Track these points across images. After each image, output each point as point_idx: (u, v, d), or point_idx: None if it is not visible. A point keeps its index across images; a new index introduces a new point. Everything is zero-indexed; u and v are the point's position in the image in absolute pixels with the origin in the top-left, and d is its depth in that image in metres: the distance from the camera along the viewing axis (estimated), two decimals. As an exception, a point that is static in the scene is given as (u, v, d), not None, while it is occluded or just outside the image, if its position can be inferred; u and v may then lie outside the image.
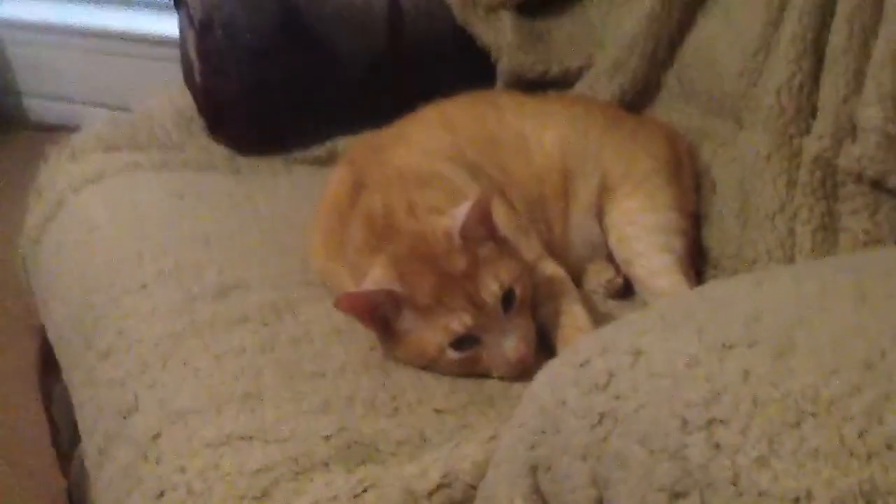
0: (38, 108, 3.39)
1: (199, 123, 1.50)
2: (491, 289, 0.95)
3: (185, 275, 1.10)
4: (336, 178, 1.16)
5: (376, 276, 0.97)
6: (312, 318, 1.04)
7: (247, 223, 1.24)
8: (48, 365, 1.35)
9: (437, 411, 0.92)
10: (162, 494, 0.82)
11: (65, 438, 1.32)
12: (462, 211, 0.97)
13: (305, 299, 1.07)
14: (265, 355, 0.97)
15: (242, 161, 1.44)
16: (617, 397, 0.59)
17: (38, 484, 1.61)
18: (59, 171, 1.39)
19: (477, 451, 0.80)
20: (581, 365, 0.64)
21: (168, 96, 1.59)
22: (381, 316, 0.97)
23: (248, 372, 0.94)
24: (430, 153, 1.17)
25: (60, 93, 3.30)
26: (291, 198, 1.34)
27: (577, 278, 1.22)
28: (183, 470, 0.83)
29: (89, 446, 1.01)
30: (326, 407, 0.90)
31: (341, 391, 0.92)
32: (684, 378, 0.57)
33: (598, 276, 1.22)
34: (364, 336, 1.01)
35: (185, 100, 1.55)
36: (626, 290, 1.22)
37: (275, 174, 1.43)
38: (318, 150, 1.50)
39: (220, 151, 1.45)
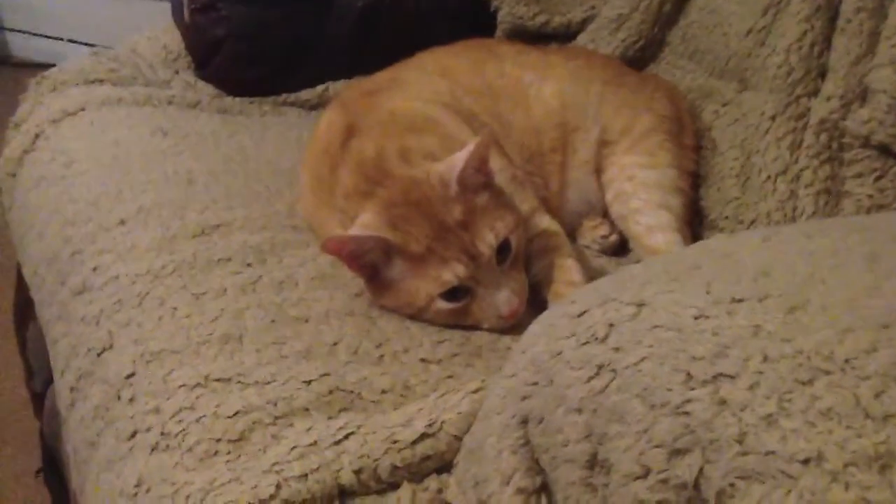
0: (22, 44, 3.31)
1: (185, 61, 1.46)
2: (486, 239, 0.92)
3: (166, 212, 1.06)
4: (326, 121, 1.12)
5: (366, 221, 0.94)
6: (297, 262, 1.00)
7: (232, 164, 1.20)
8: (24, 305, 1.31)
9: (423, 361, 0.89)
10: (134, 435, 0.79)
11: (38, 380, 1.28)
12: (460, 157, 0.93)
13: (291, 243, 1.04)
14: (246, 297, 0.93)
15: (229, 101, 1.40)
16: (617, 349, 0.56)
17: (10, 425, 1.58)
18: (37, 104, 1.34)
19: (463, 402, 0.77)
20: (579, 315, 0.61)
21: (154, 33, 1.54)
22: (369, 262, 0.94)
23: (228, 313, 0.90)
24: (425, 98, 1.13)
25: (45, 30, 3.22)
26: (280, 140, 1.30)
27: (572, 234, 1.19)
28: (157, 411, 0.80)
29: (61, 385, 0.98)
30: (308, 352, 0.86)
31: (324, 337, 0.89)
32: (690, 331, 0.54)
33: (593, 232, 1.19)
34: (350, 282, 0.98)
35: (172, 37, 1.50)
36: (620, 248, 1.19)
37: (263, 115, 1.38)
38: (309, 94, 1.45)
39: (206, 90, 1.41)
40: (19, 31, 3.27)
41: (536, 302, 1.00)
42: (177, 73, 1.42)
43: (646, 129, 1.21)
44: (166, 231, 1.02)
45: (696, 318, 0.55)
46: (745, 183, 1.21)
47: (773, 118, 1.17)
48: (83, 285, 1.00)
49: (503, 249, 0.94)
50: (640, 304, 0.57)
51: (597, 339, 0.57)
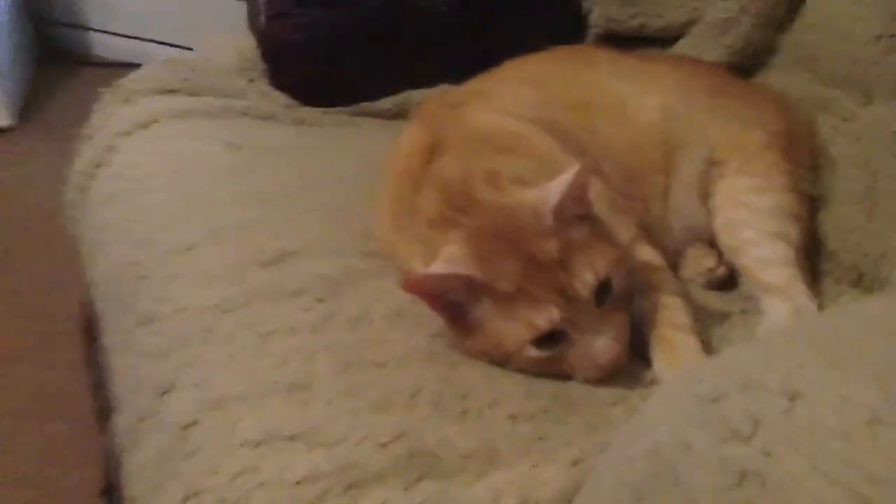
0: (105, 44, 3.32)
1: (260, 70, 1.38)
2: (585, 279, 0.82)
3: (237, 236, 0.99)
4: (408, 137, 1.03)
5: (451, 255, 0.84)
6: (373, 295, 0.92)
7: (307, 181, 1.12)
8: (92, 322, 1.27)
9: (511, 417, 0.79)
10: (188, 499, 0.71)
11: (101, 404, 1.23)
12: (558, 186, 0.83)
13: (367, 273, 0.95)
14: (318, 336, 0.85)
15: (305, 112, 1.33)
16: (766, 454, 0.45)
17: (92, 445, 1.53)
18: (110, 114, 1.29)
19: (559, 476, 0.68)
20: (713, 401, 0.50)
21: (231, 39, 1.48)
22: (452, 301, 0.84)
23: (298, 356, 0.82)
24: (514, 113, 1.03)
25: (127, 29, 3.23)
26: (357, 154, 1.22)
27: (674, 265, 1.07)
28: (216, 472, 0.72)
29: (122, 421, 0.91)
30: (385, 404, 0.78)
31: (403, 385, 0.80)
32: (862, 440, 0.43)
33: (698, 264, 1.07)
34: (430, 320, 0.89)
35: (249, 44, 1.43)
36: (727, 281, 1.07)
37: (340, 127, 1.31)
38: (388, 103, 1.37)
39: (281, 101, 1.33)
40: (103, 31, 3.29)
41: (635, 344, 0.90)
42: (251, 81, 1.35)
43: (758, 146, 1.09)
44: (237, 258, 0.95)
45: (868, 422, 0.44)
46: (872, 210, 1.08)
47: (905, 137, 1.03)
48: (149, 315, 0.93)
49: (603, 289, 0.84)
50: (794, 396, 0.47)
51: (739, 436, 0.47)
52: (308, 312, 0.88)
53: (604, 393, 0.85)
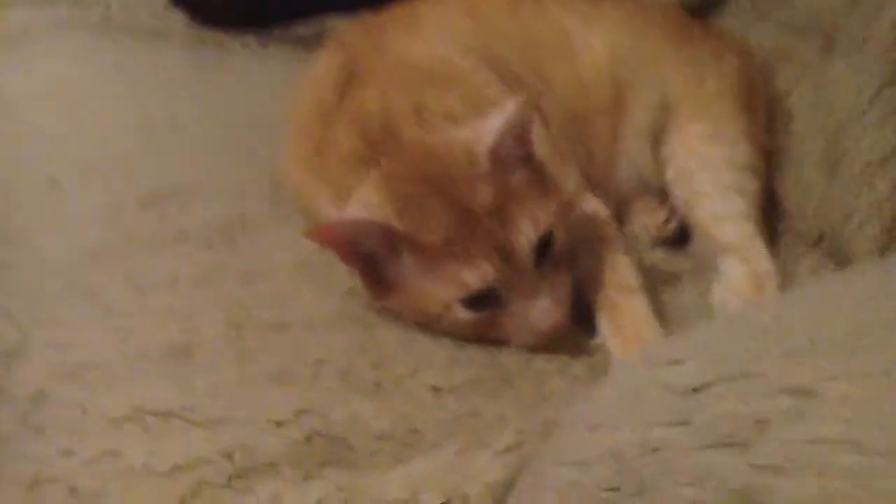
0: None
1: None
2: (524, 233, 0.70)
3: (113, 172, 0.84)
4: (322, 65, 0.88)
5: (366, 199, 0.71)
6: (275, 244, 0.78)
7: (203, 112, 0.97)
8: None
9: (434, 389, 0.68)
10: (35, 485, 0.57)
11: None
12: (493, 123, 0.70)
13: (268, 219, 0.82)
14: (204, 292, 0.71)
15: (208, 34, 1.15)
16: (775, 469, 0.34)
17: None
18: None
19: (491, 465, 0.56)
20: (693, 391, 0.39)
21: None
22: (367, 253, 0.71)
23: (178, 314, 0.69)
24: (447, 42, 0.89)
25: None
26: (264, 84, 1.07)
27: (620, 218, 0.96)
28: (69, 454, 0.58)
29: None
30: (283, 375, 0.65)
31: (306, 353, 0.68)
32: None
33: (647, 217, 0.96)
34: (341, 275, 0.76)
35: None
36: (679, 237, 0.97)
37: (247, 54, 1.14)
38: (304, 29, 1.21)
39: (178, 19, 1.16)
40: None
41: (578, 306, 0.79)
42: (145, -2, 1.17)
43: (715, 93, 0.98)
44: (109, 197, 0.80)
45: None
46: (833, 170, 0.98)
47: (876, 94, 0.93)
48: (2, 262, 0.77)
49: (544, 245, 0.72)
50: (804, 393, 0.35)
51: (732, 442, 0.35)
52: (193, 262, 0.74)
53: (542, 362, 0.74)
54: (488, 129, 0.71)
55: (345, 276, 0.75)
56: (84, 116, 0.93)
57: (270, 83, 1.08)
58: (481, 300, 0.71)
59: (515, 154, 0.73)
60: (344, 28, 1.06)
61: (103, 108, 0.94)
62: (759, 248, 0.88)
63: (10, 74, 1.00)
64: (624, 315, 0.77)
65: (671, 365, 0.43)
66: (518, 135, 0.73)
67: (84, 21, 1.08)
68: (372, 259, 0.72)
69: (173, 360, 0.64)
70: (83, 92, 0.97)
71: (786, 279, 0.91)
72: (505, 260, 0.70)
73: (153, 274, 0.72)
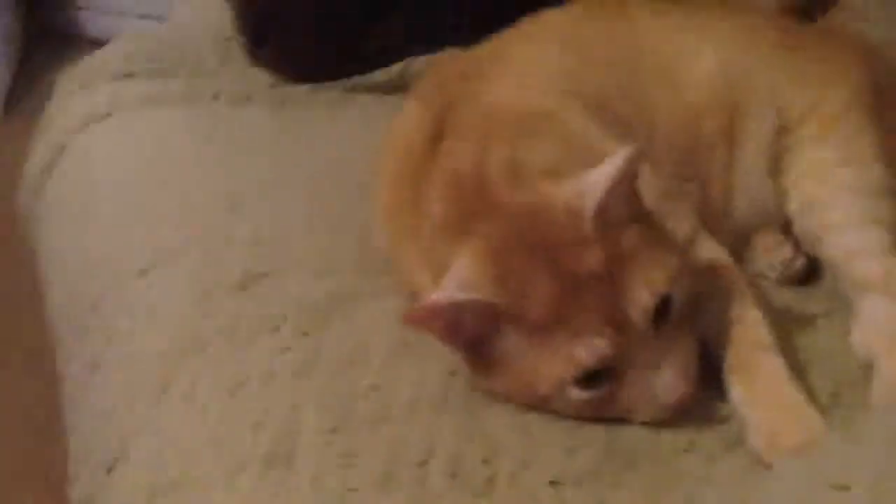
0: (96, 21, 3.14)
1: (238, 44, 1.19)
2: (640, 300, 0.63)
3: (201, 254, 0.81)
4: (407, 118, 0.83)
5: (463, 275, 0.66)
6: (371, 323, 0.74)
7: (288, 177, 0.93)
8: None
9: (553, 484, 0.61)
10: None
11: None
12: (600, 178, 0.64)
13: (363, 294, 0.77)
14: (300, 386, 0.67)
15: (289, 90, 1.13)
16: None
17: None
18: (62, 105, 1.11)
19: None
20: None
21: (204, 9, 1.28)
22: (469, 334, 0.66)
23: (275, 416, 0.64)
24: (538, 84, 0.83)
25: (117, 6, 3.04)
26: (351, 138, 1.03)
27: (738, 257, 0.88)
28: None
29: (75, 489, 0.74)
30: (388, 479, 0.60)
31: (410, 448, 0.62)
32: None
33: (771, 255, 0.88)
34: (444, 353, 0.70)
35: (223, 13, 1.23)
36: (807, 274, 0.88)
37: (330, 107, 1.11)
38: (386, 74, 1.16)
39: (260, 79, 1.14)
40: (92, 7, 3.10)
41: (703, 368, 0.71)
42: (228, 60, 1.16)
43: (839, 106, 0.88)
44: (198, 283, 0.77)
45: None
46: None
47: None
48: (96, 359, 0.76)
49: (663, 310, 0.65)
50: None
51: None
52: (288, 352, 0.70)
53: (670, 437, 0.67)
54: (593, 185, 0.65)
55: (446, 355, 0.70)
56: (171, 192, 0.91)
57: (358, 136, 1.04)
58: (596, 377, 0.64)
59: (625, 211, 0.66)
60: (429, 72, 1.01)
61: (187, 181, 0.91)
62: (904, 283, 0.78)
63: (99, 153, 1.00)
64: (758, 377, 0.69)
65: (837, 491, 0.36)
66: (627, 189, 0.66)
67: (165, 92, 1.07)
68: (474, 338, 0.66)
69: (273, 469, 0.60)
70: (169, 166, 0.95)
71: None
72: (620, 331, 0.63)
73: (246, 367, 0.68)
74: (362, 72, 1.16)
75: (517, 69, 0.84)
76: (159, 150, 0.98)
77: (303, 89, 1.13)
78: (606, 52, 0.90)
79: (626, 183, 0.65)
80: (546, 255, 0.64)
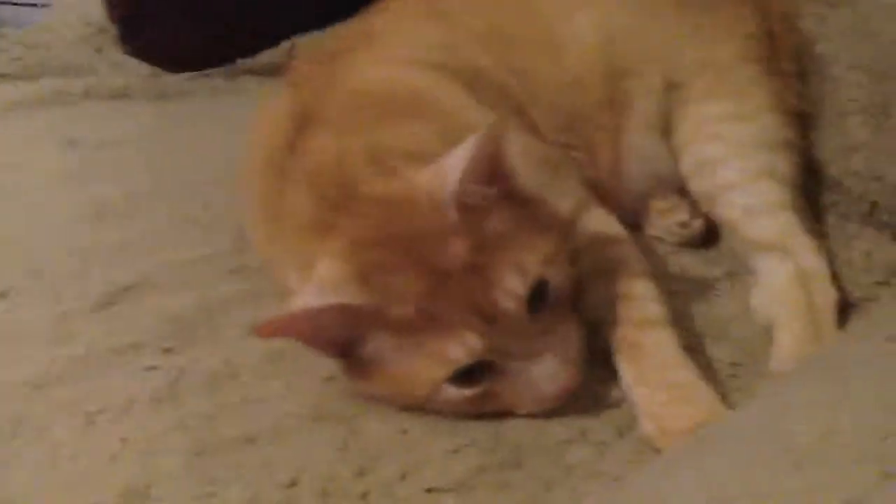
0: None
1: (111, 35, 1.12)
2: (510, 288, 0.60)
3: (63, 274, 0.76)
4: (273, 108, 0.78)
5: (323, 278, 0.61)
6: (241, 335, 0.69)
7: (162, 180, 0.88)
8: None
9: (430, 491, 0.58)
10: None
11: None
12: (458, 159, 0.59)
13: (234, 303, 0.73)
14: (162, 411, 0.63)
15: (169, 80, 1.07)
16: None
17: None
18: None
19: None
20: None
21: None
22: (336, 338, 0.62)
23: (134, 446, 0.60)
24: (408, 60, 0.78)
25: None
26: (236, 129, 0.95)
27: (636, 222, 0.85)
28: None
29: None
30: (252, 505, 0.56)
31: (279, 470, 0.59)
32: None
33: (667, 218, 0.85)
34: (320, 361, 0.66)
35: (95, 4, 1.16)
36: (707, 236, 0.85)
37: (213, 95, 1.05)
38: (272, 55, 1.11)
39: (138, 70, 1.08)
40: None
41: (595, 349, 0.68)
42: (100, 51, 1.09)
43: (729, 59, 0.85)
44: (58, 305, 0.72)
45: None
46: (881, 119, 0.85)
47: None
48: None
49: (538, 295, 0.61)
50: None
51: None
52: (150, 373, 0.65)
53: (558, 427, 0.63)
54: (449, 168, 0.60)
55: (322, 361, 0.66)
56: (35, 206, 0.85)
57: (241, 126, 0.98)
58: (473, 373, 0.61)
59: (491, 192, 0.62)
60: (303, 54, 0.96)
61: (51, 193, 0.86)
62: (801, 239, 0.76)
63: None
64: (647, 357, 0.66)
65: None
66: (492, 168, 0.62)
67: (30, 94, 1.00)
68: (343, 343, 0.62)
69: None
70: (32, 178, 0.89)
71: (840, 269, 0.78)
72: (492, 323, 0.60)
73: (106, 398, 0.64)
74: (245, 54, 1.10)
75: (381, 46, 0.80)
76: (23, 159, 0.91)
77: (183, 78, 1.07)
78: (484, 21, 0.85)
79: (490, 161, 0.61)
80: (409, 247, 0.60)
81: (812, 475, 0.32)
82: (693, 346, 0.70)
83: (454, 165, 0.60)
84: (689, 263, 0.82)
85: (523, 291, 0.60)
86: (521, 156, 0.71)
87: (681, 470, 0.41)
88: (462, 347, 0.59)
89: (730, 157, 0.80)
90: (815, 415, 0.38)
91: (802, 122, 0.87)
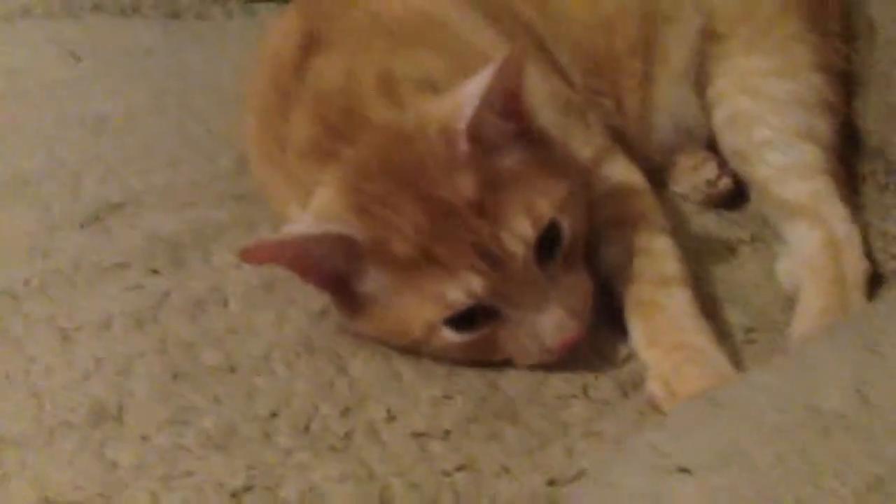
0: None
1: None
2: (518, 231, 0.56)
3: (52, 183, 0.72)
4: (279, 30, 0.74)
5: (322, 205, 0.58)
6: (232, 261, 0.65)
7: (164, 99, 0.84)
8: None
9: (417, 436, 0.54)
10: None
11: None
12: (473, 89, 0.55)
13: (227, 227, 0.69)
14: (143, 332, 0.60)
15: (183, 2, 1.02)
16: None
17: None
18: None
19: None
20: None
21: None
22: (330, 270, 0.58)
23: (108, 366, 0.57)
24: (429, -15, 0.73)
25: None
26: (243, 54, 0.92)
27: (661, 178, 0.80)
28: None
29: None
30: (228, 437, 0.53)
31: (259, 402, 0.55)
32: None
33: (694, 175, 0.80)
34: (313, 293, 0.63)
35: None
36: (734, 197, 0.80)
37: (227, 18, 1.01)
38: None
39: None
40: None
41: (605, 305, 0.64)
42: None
43: (773, 11, 0.79)
44: (47, 216, 0.69)
45: None
46: (928, 87, 0.79)
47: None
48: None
49: (548, 242, 0.57)
50: None
51: None
52: (134, 293, 0.62)
53: (559, 383, 0.60)
54: (464, 99, 0.56)
55: (315, 295, 0.62)
56: (35, 115, 0.81)
57: (253, 50, 0.94)
58: (472, 318, 0.57)
59: (507, 128, 0.58)
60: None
61: (51, 103, 0.82)
62: (834, 206, 0.71)
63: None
64: (661, 316, 0.62)
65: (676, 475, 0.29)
66: (505, 102, 0.57)
67: (44, 2, 0.96)
68: (337, 276, 0.59)
69: (97, 427, 0.53)
70: (31, 85, 0.85)
71: (874, 240, 0.74)
72: (496, 266, 0.56)
73: (85, 314, 0.61)
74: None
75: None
76: (23, 66, 0.88)
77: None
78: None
79: (507, 95, 0.57)
80: (414, 181, 0.56)
81: (841, 444, 0.28)
82: (709, 310, 0.66)
83: (470, 94, 0.56)
84: (713, 224, 0.77)
85: (532, 235, 0.56)
86: (542, 95, 0.67)
87: (694, 433, 0.37)
88: (463, 289, 0.55)
89: (767, 114, 0.75)
90: (843, 380, 0.34)
91: (846, 87, 0.82)
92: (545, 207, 0.57)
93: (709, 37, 0.78)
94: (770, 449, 0.30)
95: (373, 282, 0.58)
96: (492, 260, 0.55)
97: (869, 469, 0.26)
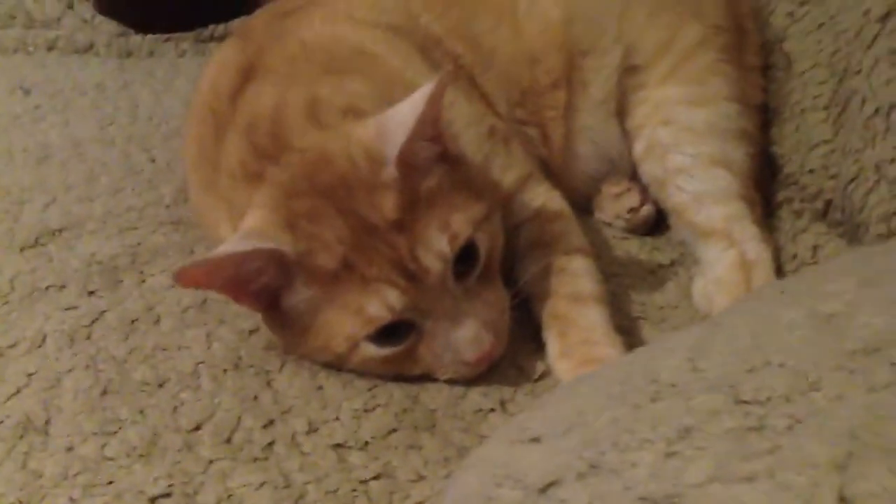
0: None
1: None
2: (434, 247, 0.58)
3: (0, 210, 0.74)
4: (218, 61, 0.77)
5: (252, 226, 0.60)
6: (166, 283, 0.68)
7: (110, 131, 0.87)
8: None
9: (338, 447, 0.57)
10: None
11: None
12: (404, 116, 0.58)
13: (164, 251, 0.71)
14: (74, 350, 0.62)
15: (137, 41, 1.06)
16: None
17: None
18: None
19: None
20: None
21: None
22: (261, 288, 0.60)
23: (38, 381, 0.59)
24: (360, 19, 0.77)
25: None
26: (191, 90, 0.96)
27: (586, 206, 0.84)
28: None
29: None
30: (151, 447, 0.55)
31: (184, 415, 0.57)
32: None
33: (617, 203, 0.84)
34: (244, 312, 0.65)
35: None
36: (656, 224, 0.84)
37: (180, 57, 1.04)
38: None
39: (106, 28, 1.07)
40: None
41: (525, 323, 0.67)
42: (70, 7, 1.08)
43: (692, 44, 0.84)
44: (-14, 242, 0.71)
45: None
46: (839, 118, 0.84)
47: (883, 19, 0.78)
48: None
49: (466, 257, 0.60)
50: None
51: None
52: (69, 313, 0.64)
53: (478, 397, 0.62)
54: (391, 123, 0.59)
55: (248, 314, 0.65)
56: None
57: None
58: (392, 333, 0.60)
59: (430, 151, 0.61)
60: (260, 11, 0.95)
61: (2, 133, 0.84)
62: (747, 228, 0.75)
63: None
64: (574, 330, 0.65)
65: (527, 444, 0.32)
66: (432, 129, 0.60)
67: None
68: (266, 294, 0.61)
69: (25, 439, 0.55)
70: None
71: (786, 263, 0.77)
72: (414, 281, 0.58)
73: (20, 332, 0.63)
74: (217, 20, 1.09)
75: (339, 4, 0.78)
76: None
77: (152, 39, 1.06)
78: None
79: (432, 123, 0.60)
80: (339, 199, 0.59)
81: (665, 404, 0.31)
82: (628, 329, 0.69)
83: (402, 121, 0.59)
84: (635, 249, 0.81)
85: (449, 252, 0.59)
86: (466, 120, 0.70)
87: (550, 408, 0.40)
88: (383, 304, 0.58)
89: (682, 142, 0.79)
90: (681, 353, 0.37)
91: (763, 118, 0.87)
92: (462, 226, 0.60)
93: (629, 69, 0.83)
94: (607, 414, 0.33)
95: (300, 296, 0.60)
96: (410, 275, 0.58)
97: (681, 421, 0.29)
